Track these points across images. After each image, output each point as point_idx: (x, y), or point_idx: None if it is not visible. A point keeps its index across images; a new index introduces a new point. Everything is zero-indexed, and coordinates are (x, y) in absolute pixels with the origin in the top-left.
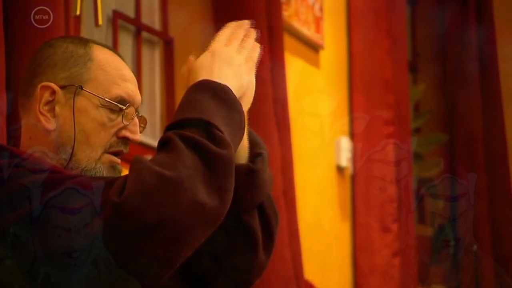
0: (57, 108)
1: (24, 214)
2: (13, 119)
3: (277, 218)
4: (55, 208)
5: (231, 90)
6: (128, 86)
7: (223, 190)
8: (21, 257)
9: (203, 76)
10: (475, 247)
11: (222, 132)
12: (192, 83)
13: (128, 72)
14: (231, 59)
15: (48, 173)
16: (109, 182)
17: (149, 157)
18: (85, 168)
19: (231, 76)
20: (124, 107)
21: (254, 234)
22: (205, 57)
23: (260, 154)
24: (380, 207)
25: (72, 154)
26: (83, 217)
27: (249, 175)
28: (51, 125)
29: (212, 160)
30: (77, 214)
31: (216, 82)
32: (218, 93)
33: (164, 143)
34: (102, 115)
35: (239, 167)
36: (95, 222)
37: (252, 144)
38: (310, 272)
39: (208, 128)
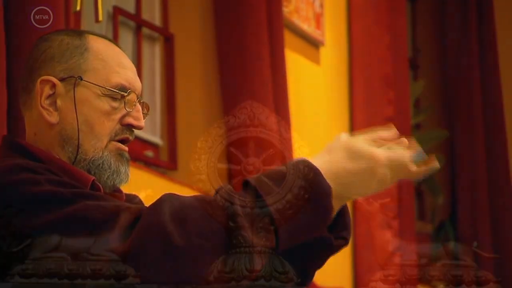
0: (58, 101)
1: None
2: (13, 118)
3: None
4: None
5: (329, 195)
6: (127, 73)
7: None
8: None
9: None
10: (475, 244)
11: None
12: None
13: (126, 60)
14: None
15: (58, 186)
16: (115, 220)
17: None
18: (93, 158)
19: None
20: (126, 94)
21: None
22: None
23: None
24: (380, 204)
25: (78, 146)
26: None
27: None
28: (54, 118)
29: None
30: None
31: (321, 179)
32: (313, 192)
33: (218, 198)
34: (104, 104)
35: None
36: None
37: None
38: None
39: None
